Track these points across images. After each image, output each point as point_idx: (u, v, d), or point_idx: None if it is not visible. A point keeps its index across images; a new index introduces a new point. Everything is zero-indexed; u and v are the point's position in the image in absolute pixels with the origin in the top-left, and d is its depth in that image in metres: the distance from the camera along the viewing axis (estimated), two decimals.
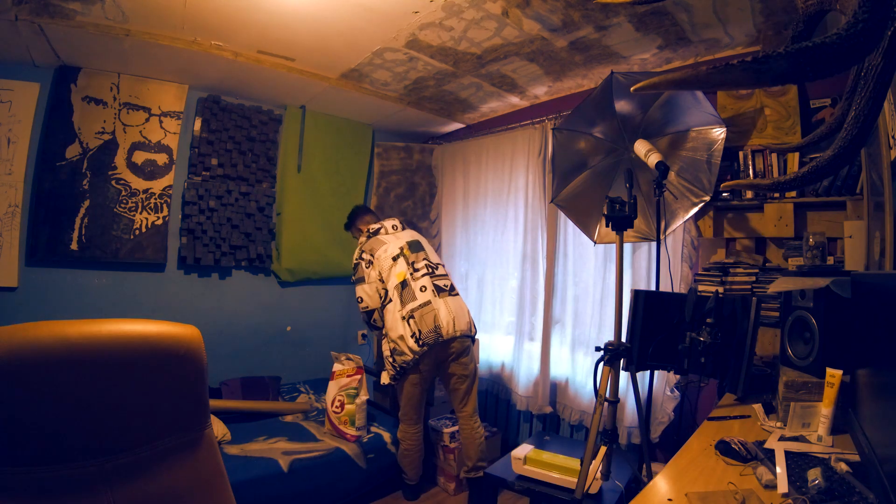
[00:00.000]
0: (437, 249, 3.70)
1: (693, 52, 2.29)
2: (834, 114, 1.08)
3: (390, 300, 2.35)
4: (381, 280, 2.38)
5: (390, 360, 2.33)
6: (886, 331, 0.97)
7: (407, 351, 2.25)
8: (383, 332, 2.40)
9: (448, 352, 2.33)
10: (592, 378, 1.67)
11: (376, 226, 2.54)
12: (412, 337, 2.24)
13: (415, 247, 2.47)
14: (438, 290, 2.36)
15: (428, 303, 2.30)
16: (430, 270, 2.41)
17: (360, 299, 2.42)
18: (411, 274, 2.37)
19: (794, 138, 1.99)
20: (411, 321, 2.26)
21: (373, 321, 2.44)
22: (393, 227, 2.55)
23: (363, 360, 2.61)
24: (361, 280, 2.42)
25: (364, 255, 2.44)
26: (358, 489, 2.31)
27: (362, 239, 2.54)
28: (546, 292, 2.85)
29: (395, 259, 2.40)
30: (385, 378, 2.41)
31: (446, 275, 2.47)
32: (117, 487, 0.72)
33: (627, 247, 2.40)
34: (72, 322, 0.71)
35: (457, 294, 2.43)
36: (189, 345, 0.80)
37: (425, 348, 2.23)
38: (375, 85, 2.85)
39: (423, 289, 2.34)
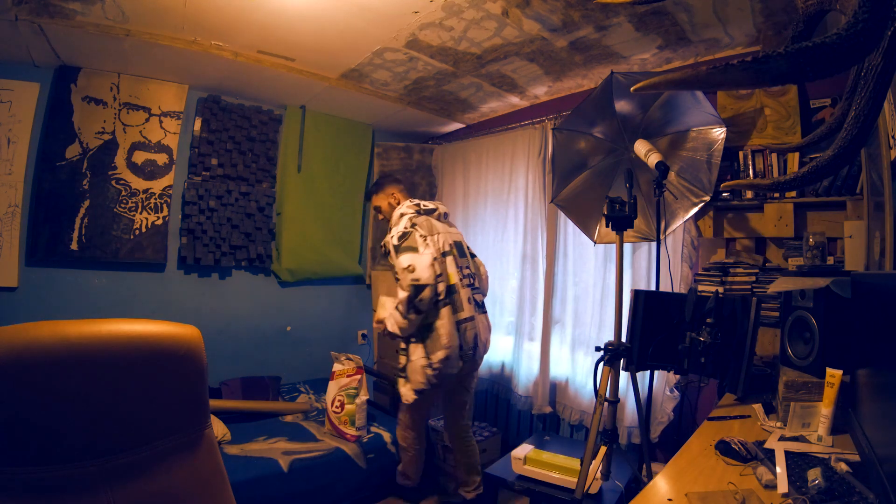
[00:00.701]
0: None
1: (693, 52, 2.29)
2: (834, 114, 1.08)
3: (447, 301, 2.05)
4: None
5: (429, 370, 2.02)
6: (886, 331, 0.97)
7: (454, 364, 2.05)
8: (431, 334, 2.03)
9: (472, 369, 2.26)
10: (592, 378, 1.67)
11: (430, 205, 2.23)
12: (459, 349, 2.06)
13: (461, 250, 2.24)
14: (477, 306, 2.20)
15: (472, 318, 2.14)
16: (472, 282, 2.22)
17: (411, 268, 1.94)
18: (460, 280, 2.13)
19: (794, 138, 1.99)
20: (455, 333, 2.06)
21: (419, 301, 1.93)
22: (445, 215, 2.29)
23: (363, 360, 2.60)
24: (412, 249, 1.99)
25: (418, 229, 2.08)
26: (358, 489, 2.31)
27: (407, 210, 2.17)
28: (546, 292, 2.85)
29: (444, 256, 2.12)
30: (410, 394, 2.08)
31: (480, 288, 2.31)
32: (117, 487, 0.72)
33: (627, 247, 2.40)
34: (72, 322, 0.71)
35: (486, 311, 2.30)
36: (189, 345, 0.80)
37: (462, 364, 2.11)
38: (375, 85, 2.85)
39: (470, 301, 2.15)
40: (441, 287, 2.03)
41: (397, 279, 2.01)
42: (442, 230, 2.18)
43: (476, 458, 2.35)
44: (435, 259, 2.02)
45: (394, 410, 2.92)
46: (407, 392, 2.09)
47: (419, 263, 1.95)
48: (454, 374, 2.11)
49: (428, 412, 2.34)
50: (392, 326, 2.04)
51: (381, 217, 2.41)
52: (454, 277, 2.11)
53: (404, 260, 1.98)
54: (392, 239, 2.08)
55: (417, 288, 1.93)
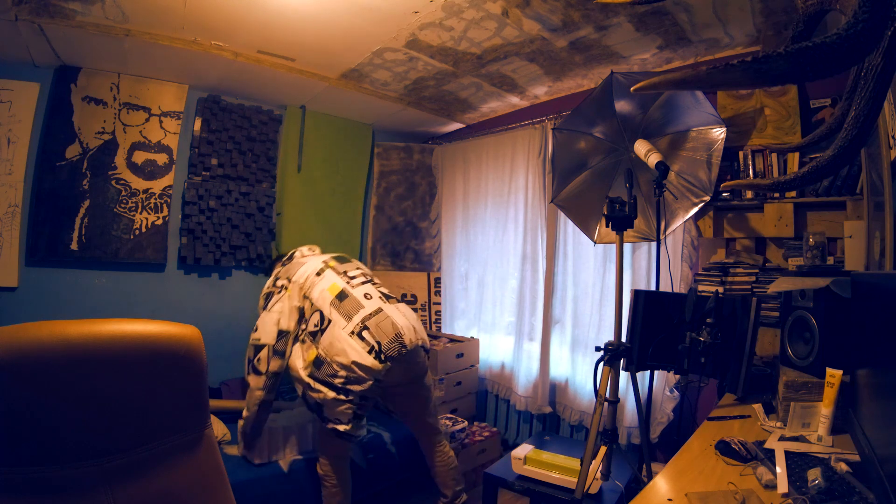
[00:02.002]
0: (437, 249, 3.70)
1: (693, 52, 2.29)
2: (834, 114, 1.08)
3: (329, 321, 1.85)
4: (308, 301, 1.94)
5: (343, 404, 1.78)
6: (886, 331, 0.97)
7: (364, 374, 1.77)
8: (313, 374, 1.82)
9: (416, 369, 1.98)
10: (592, 378, 1.67)
11: (289, 253, 2.23)
12: (370, 353, 1.77)
13: (342, 259, 2.13)
14: (387, 297, 2.00)
15: (379, 310, 1.89)
16: (369, 279, 2.05)
17: (255, 328, 2.00)
18: (347, 283, 1.97)
19: (794, 138, 1.99)
20: (365, 333, 1.80)
21: (256, 360, 1.94)
22: (309, 249, 2.23)
23: None
24: (267, 309, 2.00)
25: (279, 283, 2.04)
26: (358, 489, 2.31)
27: (277, 269, 2.16)
28: (546, 292, 2.85)
29: (319, 274, 2.00)
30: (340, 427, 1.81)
31: (379, 282, 2.09)
32: (117, 487, 0.72)
33: (627, 247, 2.40)
34: (72, 322, 0.71)
35: (397, 299, 2.05)
36: (189, 345, 0.80)
37: (388, 364, 1.79)
38: (375, 85, 2.85)
39: (368, 296, 1.94)
40: (315, 318, 1.89)
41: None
42: (309, 259, 2.11)
43: (454, 473, 2.12)
44: (302, 298, 1.95)
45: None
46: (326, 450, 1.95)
47: (261, 323, 1.97)
48: (379, 382, 1.83)
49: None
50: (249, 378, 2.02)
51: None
52: (338, 286, 1.95)
53: (261, 321, 2.00)
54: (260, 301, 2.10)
55: (256, 348, 1.96)
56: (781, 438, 1.24)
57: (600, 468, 1.75)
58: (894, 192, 1.29)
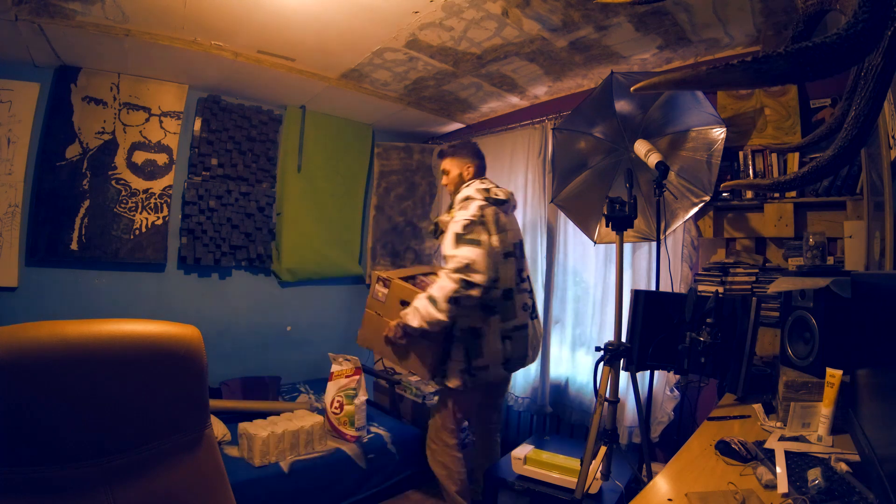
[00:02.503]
0: (437, 250, 3.70)
1: (693, 52, 2.29)
2: (834, 114, 1.08)
3: (495, 311, 1.97)
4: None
5: (466, 374, 1.93)
6: (886, 331, 0.97)
7: (492, 372, 1.98)
8: (476, 340, 1.94)
9: (513, 373, 2.25)
10: (593, 378, 1.67)
11: (501, 194, 2.04)
12: (502, 360, 1.99)
13: (521, 251, 2.13)
14: (531, 312, 2.12)
15: (525, 325, 2.04)
16: (528, 287, 2.15)
17: (470, 262, 1.80)
18: (517, 285, 2.03)
19: (794, 138, 1.98)
20: (507, 342, 1.98)
21: (465, 297, 1.80)
22: (513, 208, 2.15)
23: (363, 360, 2.60)
24: (475, 243, 1.84)
25: (486, 220, 1.93)
26: (358, 489, 2.31)
27: (476, 195, 1.97)
28: (546, 292, 2.85)
29: (506, 256, 1.99)
30: (455, 382, 1.96)
31: (532, 290, 2.20)
32: (117, 487, 0.72)
33: (627, 247, 2.40)
34: (72, 322, 0.71)
35: (537, 316, 2.20)
36: (189, 345, 0.80)
37: (506, 374, 2.06)
38: (375, 85, 2.85)
39: (525, 307, 2.06)
40: (496, 294, 1.93)
41: (444, 265, 1.89)
42: (510, 227, 2.05)
43: (494, 461, 2.30)
44: (496, 261, 1.91)
45: (394, 410, 2.93)
46: (453, 381, 1.96)
47: (480, 262, 1.81)
48: (493, 382, 2.05)
49: (462, 420, 2.16)
50: (416, 320, 1.84)
51: (443, 182, 2.22)
52: (512, 282, 2.00)
53: (464, 252, 1.82)
54: (455, 225, 1.89)
55: (468, 284, 1.79)
56: (781, 438, 1.24)
57: (600, 468, 1.75)
58: (894, 192, 1.29)
